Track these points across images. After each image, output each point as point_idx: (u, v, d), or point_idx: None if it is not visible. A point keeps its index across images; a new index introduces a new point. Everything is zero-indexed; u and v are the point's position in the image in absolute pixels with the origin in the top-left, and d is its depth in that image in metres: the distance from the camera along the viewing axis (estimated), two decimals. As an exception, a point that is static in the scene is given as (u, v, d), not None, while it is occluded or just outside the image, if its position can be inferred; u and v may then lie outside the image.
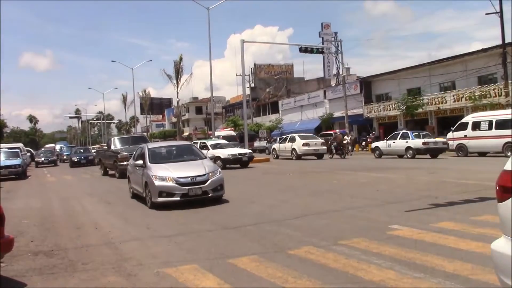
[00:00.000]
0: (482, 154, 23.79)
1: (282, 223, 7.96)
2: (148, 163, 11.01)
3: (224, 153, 23.88)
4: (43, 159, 40.96)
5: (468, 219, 7.38)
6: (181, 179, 10.15)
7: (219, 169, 11.11)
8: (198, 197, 10.22)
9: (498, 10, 27.95)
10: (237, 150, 24.78)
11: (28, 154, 40.47)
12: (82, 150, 40.55)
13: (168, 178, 10.15)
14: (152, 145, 13.18)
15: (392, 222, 7.45)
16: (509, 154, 21.33)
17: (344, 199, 10.52)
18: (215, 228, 7.85)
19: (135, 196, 12.29)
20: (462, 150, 24.21)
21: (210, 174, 10.46)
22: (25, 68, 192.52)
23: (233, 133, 44.04)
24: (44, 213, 10.93)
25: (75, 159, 35.23)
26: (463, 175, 14.14)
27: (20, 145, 39.16)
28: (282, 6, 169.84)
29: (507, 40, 28.79)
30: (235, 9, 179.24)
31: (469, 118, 24.80)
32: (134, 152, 13.60)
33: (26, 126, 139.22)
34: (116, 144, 22.44)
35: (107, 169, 23.30)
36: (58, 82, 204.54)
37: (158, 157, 11.62)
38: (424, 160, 23.49)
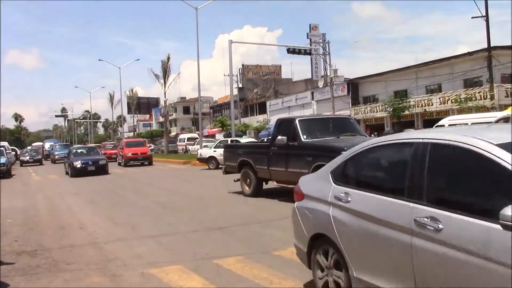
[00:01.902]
0: None
1: (268, 224, 7.98)
2: None
3: None
4: (28, 158, 40.38)
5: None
6: None
7: None
8: None
9: (484, 14, 28.33)
10: None
11: (13, 152, 39.93)
12: (85, 151, 25.74)
13: None
14: (436, 134, 3.39)
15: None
16: None
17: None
18: (201, 229, 7.84)
19: None
20: None
21: None
22: (11, 66, 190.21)
23: (196, 135, 42.32)
24: (28, 213, 10.82)
25: (78, 164, 22.35)
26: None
27: (5, 143, 38.63)
28: (271, 7, 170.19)
29: (493, 44, 29.21)
30: (224, 9, 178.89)
31: (445, 121, 25.14)
32: (332, 165, 4.25)
33: (11, 124, 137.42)
34: (304, 130, 10.35)
35: (265, 181, 11.89)
36: (44, 81, 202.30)
37: None
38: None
